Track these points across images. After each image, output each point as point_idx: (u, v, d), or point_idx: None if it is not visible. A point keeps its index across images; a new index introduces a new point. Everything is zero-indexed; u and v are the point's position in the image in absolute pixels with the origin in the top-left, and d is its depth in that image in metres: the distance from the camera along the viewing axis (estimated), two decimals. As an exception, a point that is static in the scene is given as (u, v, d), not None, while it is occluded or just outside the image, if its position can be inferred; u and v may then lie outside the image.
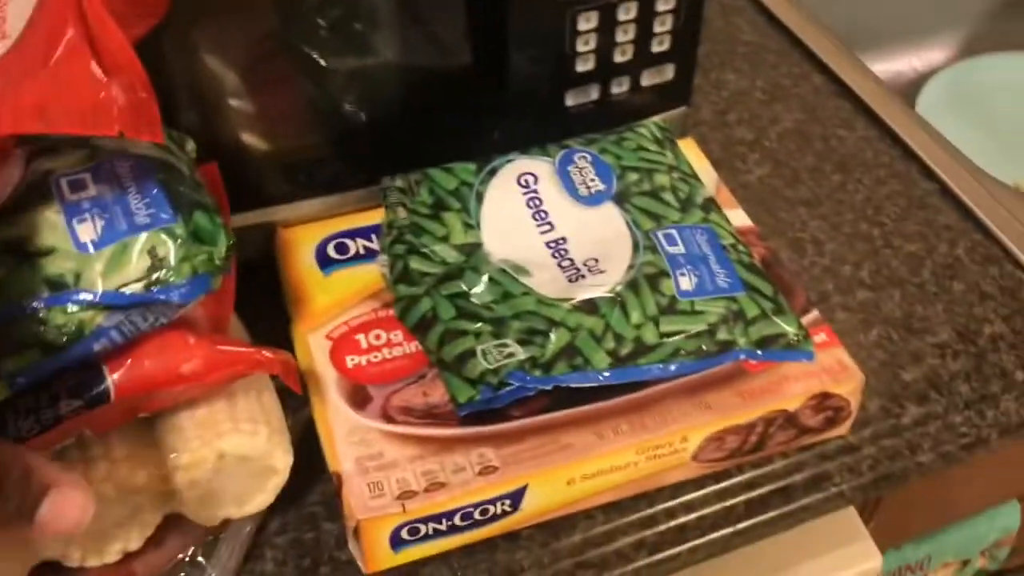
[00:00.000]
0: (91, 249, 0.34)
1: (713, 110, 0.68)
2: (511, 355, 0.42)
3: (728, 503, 0.48)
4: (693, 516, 0.47)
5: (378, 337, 0.48)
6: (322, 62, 0.52)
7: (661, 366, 0.45)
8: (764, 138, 0.65)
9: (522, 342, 0.43)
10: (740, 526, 0.48)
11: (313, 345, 0.47)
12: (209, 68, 0.49)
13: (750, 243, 0.52)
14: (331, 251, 0.52)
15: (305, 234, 0.53)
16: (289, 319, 0.50)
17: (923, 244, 0.59)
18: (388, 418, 0.45)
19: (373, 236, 0.52)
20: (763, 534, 0.49)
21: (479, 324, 0.44)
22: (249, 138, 0.54)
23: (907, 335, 0.54)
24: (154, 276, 0.35)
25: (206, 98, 0.50)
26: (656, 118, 0.57)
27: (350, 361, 0.47)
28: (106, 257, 0.34)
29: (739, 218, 0.54)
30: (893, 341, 0.54)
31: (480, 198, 0.50)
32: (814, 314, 0.49)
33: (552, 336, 0.44)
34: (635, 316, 0.45)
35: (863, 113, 0.67)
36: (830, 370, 0.47)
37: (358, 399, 0.45)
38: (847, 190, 0.62)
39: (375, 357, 0.47)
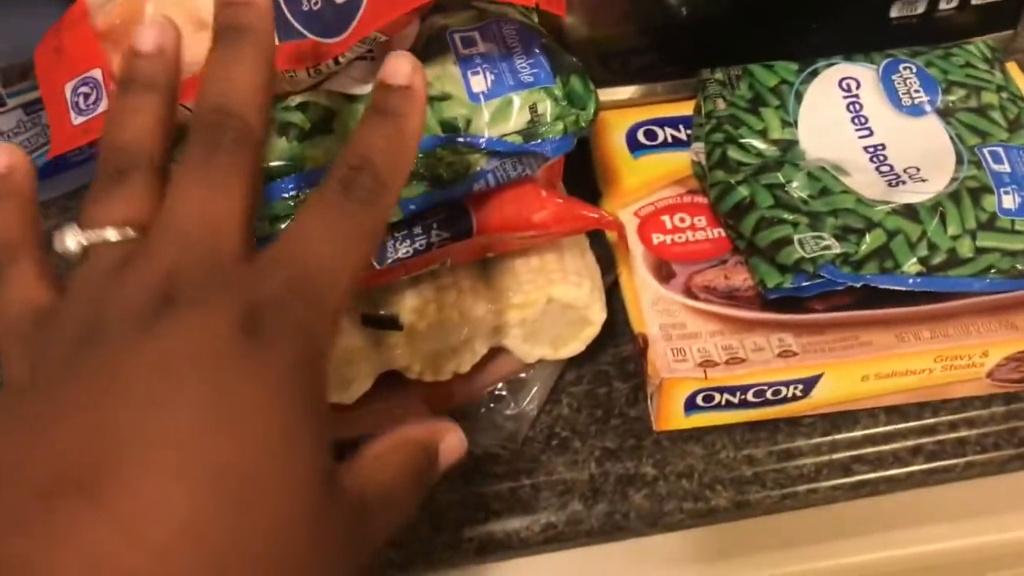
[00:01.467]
0: (481, 100, 0.38)
1: (1033, 38, 0.65)
2: (827, 247, 0.44)
3: (1013, 424, 0.48)
4: (975, 432, 0.48)
5: (683, 220, 0.51)
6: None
7: (972, 280, 0.45)
8: (1087, 72, 0.62)
9: (837, 237, 0.45)
10: (1022, 449, 0.48)
11: (622, 220, 0.51)
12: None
13: (1073, 174, 0.50)
14: (640, 136, 0.55)
15: (617, 118, 0.56)
16: (599, 195, 0.53)
17: None
18: (691, 294, 0.48)
19: (681, 126, 0.55)
20: (1043, 463, 0.49)
21: (796, 215, 0.45)
22: (571, 21, 0.57)
23: None
24: (532, 130, 0.38)
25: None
26: (980, 39, 0.55)
27: (656, 238, 0.50)
28: (493, 108, 0.38)
29: (1061, 147, 0.52)
30: None
31: (799, 97, 0.51)
32: None
33: (868, 236, 0.45)
34: (953, 227, 0.45)
35: None
36: None
37: (663, 273, 0.49)
38: None
39: (679, 238, 0.50)
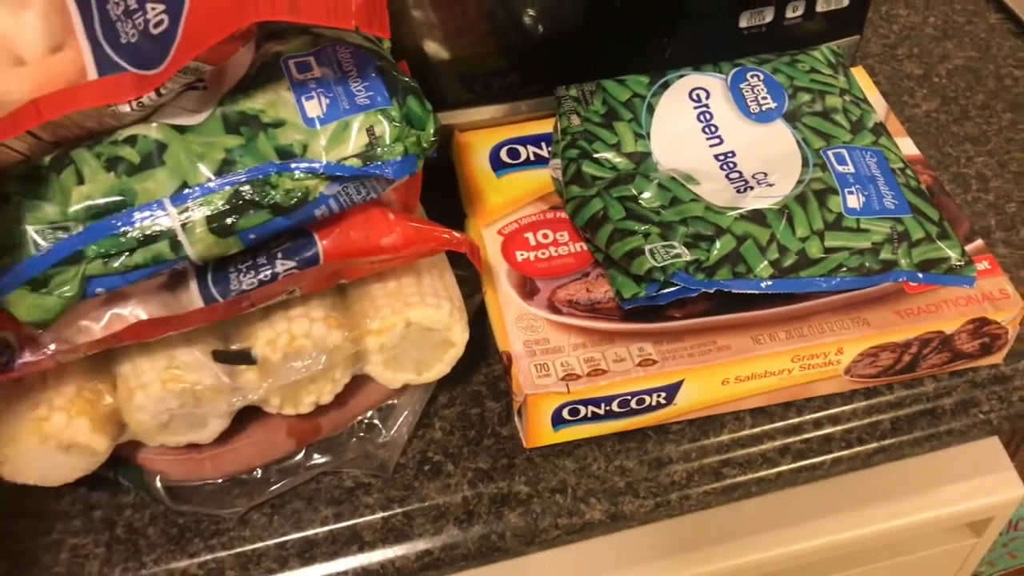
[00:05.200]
0: (317, 124, 0.38)
1: (883, 43, 0.67)
2: (678, 256, 0.45)
3: (874, 419, 0.49)
4: (839, 428, 0.49)
5: (545, 236, 0.51)
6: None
7: (823, 280, 0.46)
8: (933, 74, 0.65)
9: (688, 245, 0.45)
10: (884, 443, 0.49)
11: (486, 239, 0.51)
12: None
13: (917, 172, 0.52)
14: (504, 155, 0.55)
15: (480, 138, 0.56)
16: (464, 215, 0.53)
17: (1095, 186, 0.58)
18: (554, 309, 0.48)
19: (543, 144, 0.55)
20: (906, 453, 0.50)
21: (647, 225, 0.46)
22: (432, 46, 0.57)
23: (1071, 274, 0.54)
24: (370, 152, 0.38)
25: (395, 6, 0.53)
26: (826, 45, 0.57)
27: (519, 256, 0.50)
28: (329, 132, 0.38)
29: (907, 147, 0.54)
30: (1056, 279, 0.53)
31: (651, 110, 0.52)
32: (978, 243, 0.49)
33: (718, 242, 0.46)
34: (801, 229, 0.46)
35: (1041, 54, 0.65)
36: (990, 297, 0.47)
37: (526, 290, 0.49)
38: (1018, 129, 0.61)
39: (542, 254, 0.50)
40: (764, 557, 0.50)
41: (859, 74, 0.58)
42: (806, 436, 0.49)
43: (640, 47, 0.56)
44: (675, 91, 0.52)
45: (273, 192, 0.37)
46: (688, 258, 0.45)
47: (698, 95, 0.52)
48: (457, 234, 0.43)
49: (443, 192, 0.55)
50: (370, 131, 0.38)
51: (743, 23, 0.56)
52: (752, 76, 0.52)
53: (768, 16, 0.56)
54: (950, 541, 0.55)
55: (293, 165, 0.37)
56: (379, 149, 0.38)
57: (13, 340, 0.38)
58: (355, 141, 0.38)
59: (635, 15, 0.56)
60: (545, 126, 0.55)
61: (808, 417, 0.49)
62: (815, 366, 0.47)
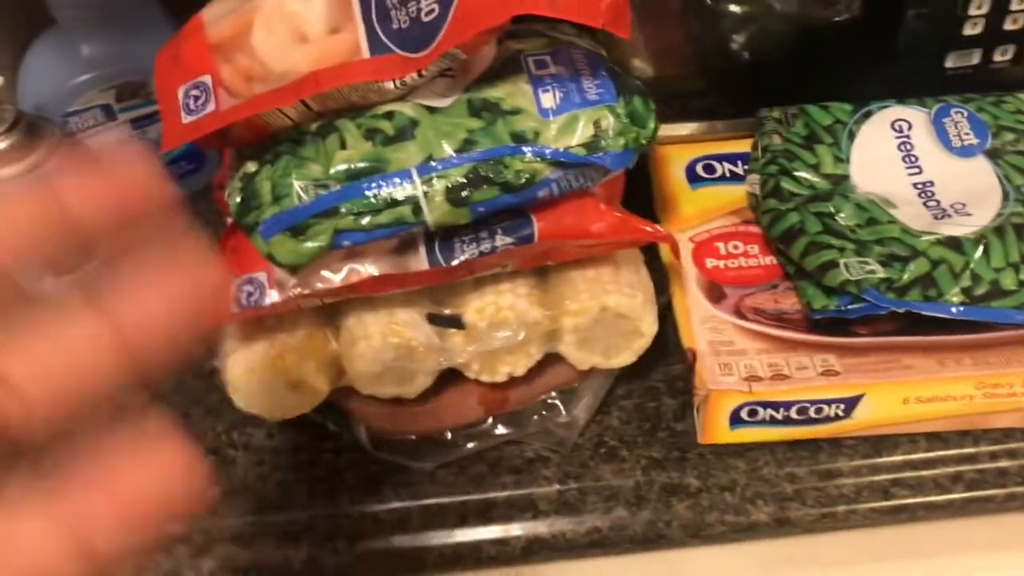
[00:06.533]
0: (550, 115, 0.42)
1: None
2: (872, 272, 0.46)
3: (1055, 459, 0.49)
4: (1016, 463, 0.49)
5: (736, 247, 0.53)
6: (719, 5, 0.57)
7: (1015, 312, 0.46)
8: None
9: (882, 264, 0.47)
10: (1062, 485, 0.49)
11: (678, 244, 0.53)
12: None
13: (1120, 219, 0.52)
14: (699, 170, 0.58)
15: (678, 152, 0.59)
16: (658, 222, 0.56)
17: None
18: (740, 315, 0.50)
19: (739, 162, 0.58)
20: (1085, 499, 0.50)
21: (843, 241, 0.48)
22: (637, 62, 0.61)
23: None
24: (594, 143, 0.42)
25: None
26: (1035, 90, 0.58)
27: (709, 262, 0.53)
28: (560, 123, 0.42)
29: (1111, 195, 0.54)
30: None
31: (852, 136, 0.53)
32: None
33: (912, 264, 0.47)
34: (996, 260, 0.47)
35: None
36: None
37: (714, 294, 0.51)
38: None
39: (732, 263, 0.52)
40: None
41: (1066, 121, 0.58)
42: (981, 467, 0.49)
43: (843, 78, 0.58)
44: (877, 120, 0.54)
45: (505, 171, 0.41)
46: (882, 275, 0.46)
47: (900, 126, 0.53)
48: (660, 228, 0.46)
49: (639, 203, 0.58)
50: (596, 124, 0.42)
51: (949, 63, 0.57)
52: (956, 112, 0.54)
53: (975, 58, 0.57)
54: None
55: (525, 149, 0.41)
56: (603, 141, 0.42)
57: (263, 279, 0.43)
58: (582, 132, 0.42)
59: (841, 47, 0.58)
60: (741, 145, 0.58)
61: (985, 448, 0.49)
62: (998, 396, 0.47)
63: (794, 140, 0.54)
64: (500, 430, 0.51)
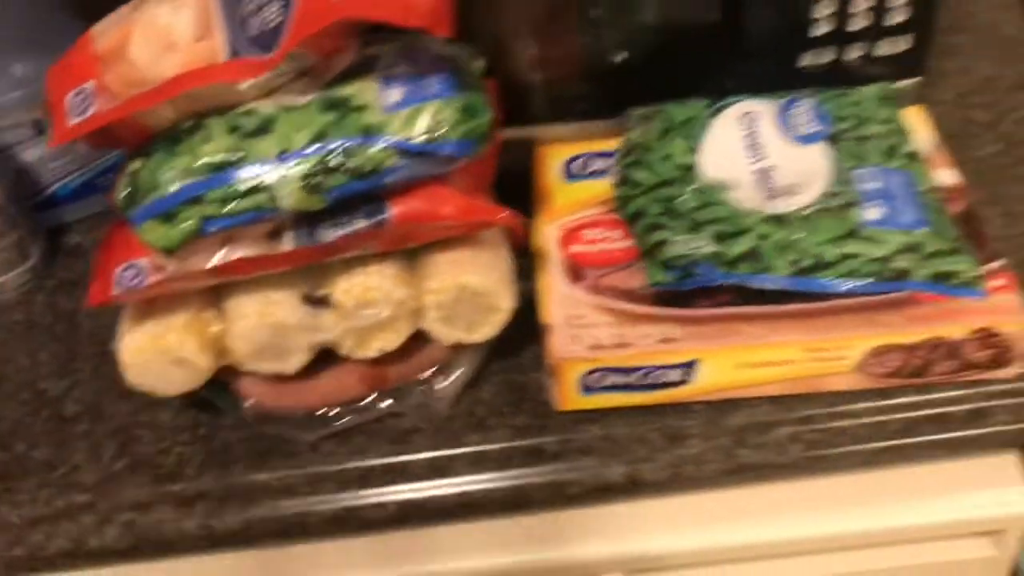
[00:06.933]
0: (394, 109, 0.47)
1: (956, 92, 0.71)
2: (698, 247, 0.51)
3: (887, 417, 0.53)
4: (851, 423, 0.53)
5: (600, 233, 0.58)
6: (596, 16, 0.62)
7: (839, 281, 0.51)
8: (1002, 121, 0.68)
9: (712, 241, 0.51)
10: (895, 442, 0.53)
11: (548, 233, 0.58)
12: (508, 9, 0.61)
13: (952, 197, 0.56)
14: (576, 167, 0.62)
15: (558, 151, 0.63)
16: (534, 213, 0.61)
17: None
18: (596, 292, 0.54)
19: (612, 158, 0.62)
20: (916, 456, 0.54)
21: (678, 221, 0.52)
22: (523, 69, 0.65)
23: (1102, 306, 0.56)
24: (435, 134, 0.47)
25: (500, 35, 0.62)
26: (879, 84, 0.62)
27: (573, 248, 0.57)
28: (403, 116, 0.47)
29: (949, 176, 0.58)
30: (1086, 309, 0.56)
31: (705, 129, 0.58)
32: (999, 263, 0.53)
33: (740, 239, 0.51)
34: (820, 235, 0.51)
35: (1114, 108, 0.68)
36: (999, 309, 0.51)
37: (574, 275, 0.56)
38: (1076, 175, 0.64)
39: (594, 247, 0.57)
40: (775, 539, 0.55)
41: (916, 111, 0.62)
42: (819, 427, 0.53)
43: (706, 78, 0.62)
44: (729, 114, 0.59)
45: (353, 160, 0.46)
46: (709, 250, 0.51)
47: (749, 118, 0.58)
48: (506, 212, 0.50)
49: (520, 196, 0.63)
50: (436, 116, 0.46)
51: (804, 62, 0.62)
52: (801, 105, 0.58)
53: (828, 57, 0.62)
54: (968, 551, 0.57)
55: (371, 139, 0.46)
56: (442, 131, 0.46)
57: (144, 264, 0.48)
58: (424, 124, 0.47)
59: (702, 51, 0.63)
60: (617, 144, 0.63)
61: (821, 410, 0.53)
62: (825, 359, 0.51)
63: (652, 134, 0.58)
64: (381, 404, 0.56)
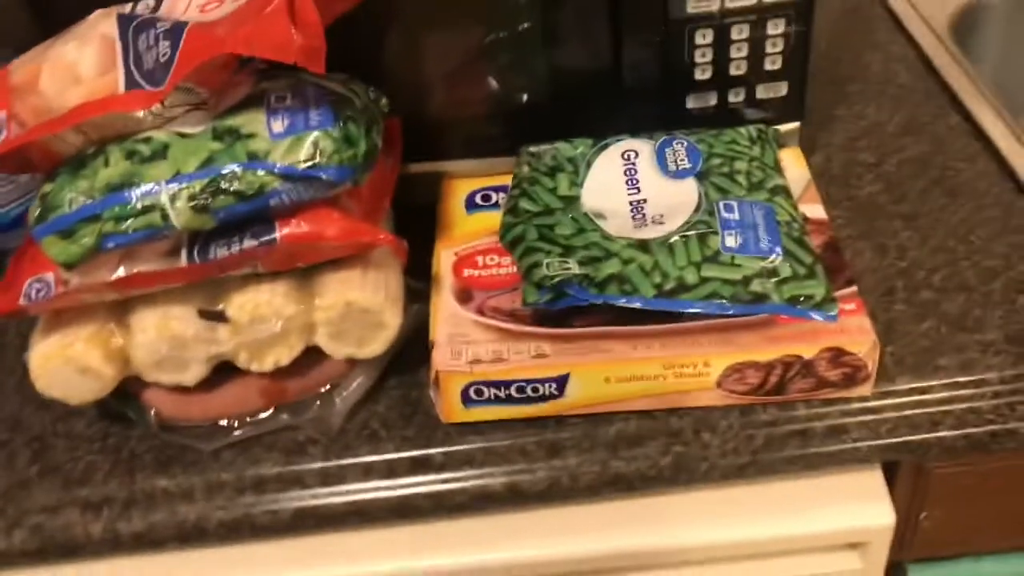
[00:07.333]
0: (279, 138, 0.51)
1: (845, 136, 0.75)
2: (568, 269, 0.55)
3: (749, 432, 0.56)
4: (716, 437, 0.56)
5: (491, 259, 0.62)
6: (500, 63, 0.67)
7: (699, 303, 0.55)
8: (885, 163, 0.73)
9: (581, 264, 0.55)
10: (758, 457, 0.56)
11: (444, 258, 0.62)
12: (411, 53, 0.66)
13: (818, 231, 0.60)
14: (478, 199, 0.67)
15: (462, 185, 0.68)
16: (434, 240, 0.65)
17: (1004, 261, 0.63)
18: (481, 312, 0.58)
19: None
20: (780, 469, 0.57)
21: (552, 246, 0.56)
22: (432, 107, 0.70)
23: (956, 331, 0.59)
24: (315, 160, 0.51)
25: (415, 79, 0.66)
26: (755, 125, 0.66)
27: (466, 272, 0.61)
28: (286, 144, 0.51)
29: (817, 212, 0.62)
30: (940, 333, 0.59)
31: (589, 165, 0.63)
32: (851, 289, 0.57)
33: (606, 262, 0.55)
34: (680, 259, 0.55)
35: (990, 153, 0.72)
36: (848, 330, 0.54)
37: (464, 297, 0.59)
38: (947, 211, 0.68)
39: (484, 272, 0.61)
40: (647, 549, 0.58)
41: (793, 152, 0.67)
42: (685, 439, 0.57)
43: (600, 119, 0.67)
44: (612, 151, 0.63)
45: (238, 183, 0.50)
46: (577, 271, 0.55)
47: (628, 155, 0.63)
48: (387, 235, 0.54)
49: (425, 227, 0.67)
50: (315, 144, 0.51)
51: (691, 104, 0.67)
52: (677, 143, 0.63)
53: (713, 99, 0.67)
54: (836, 564, 0.60)
55: (256, 164, 0.50)
56: (321, 158, 0.51)
57: (50, 278, 0.52)
58: (304, 151, 0.51)
59: (596, 95, 0.67)
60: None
61: (687, 424, 0.57)
62: (686, 375, 0.55)
63: (541, 169, 0.63)
64: (279, 417, 0.59)
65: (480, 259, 0.62)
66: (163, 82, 0.49)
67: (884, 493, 0.58)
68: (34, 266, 0.53)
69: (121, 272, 0.52)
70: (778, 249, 0.56)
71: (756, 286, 0.55)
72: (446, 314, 0.58)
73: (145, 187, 0.50)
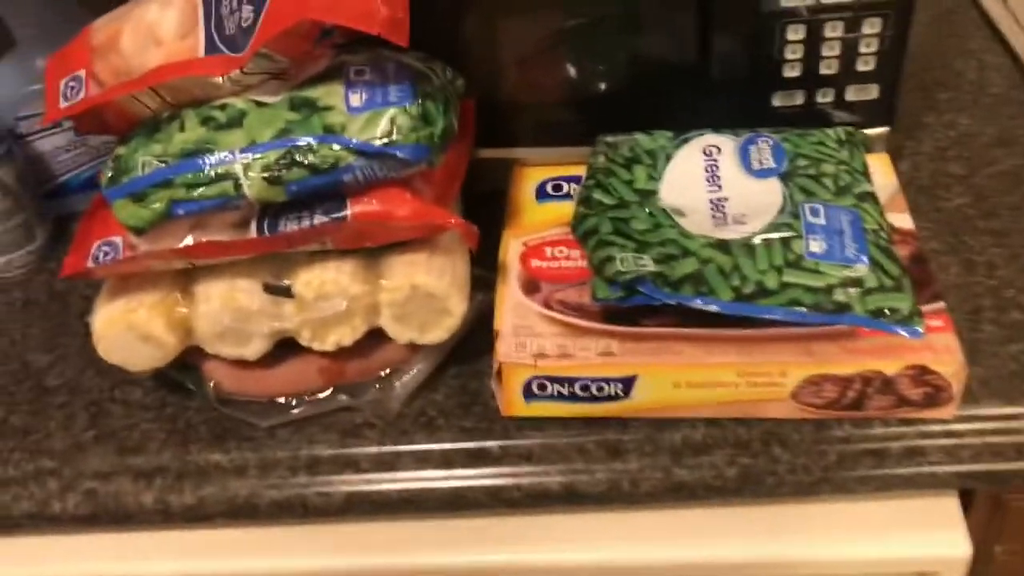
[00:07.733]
0: (356, 112, 0.50)
1: (935, 145, 0.72)
2: (643, 266, 0.53)
3: (822, 447, 0.54)
4: (786, 451, 0.54)
5: (561, 251, 0.60)
6: (580, 50, 0.65)
7: (779, 309, 0.52)
8: (976, 175, 0.69)
9: (657, 261, 0.53)
10: (829, 474, 0.54)
11: (512, 247, 0.61)
12: (488, 34, 0.64)
13: (904, 240, 0.57)
14: (549, 188, 0.65)
15: (534, 173, 0.66)
16: (504, 228, 0.63)
17: (1101, 287, 0.60)
18: (548, 305, 0.57)
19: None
20: (851, 489, 0.54)
21: (627, 240, 0.54)
22: (510, 93, 0.68)
23: (1047, 356, 0.57)
24: (391, 138, 0.50)
25: (491, 62, 0.65)
26: (844, 128, 0.64)
27: (534, 263, 0.59)
28: (364, 119, 0.50)
29: (904, 221, 0.60)
30: (1030, 358, 0.57)
31: (668, 158, 0.60)
32: (938, 304, 0.54)
33: (682, 261, 0.53)
34: (761, 262, 0.53)
35: (1089, 169, 0.69)
36: (934, 348, 0.52)
37: (530, 288, 0.58)
38: (1041, 230, 0.65)
39: (553, 264, 0.59)
40: (708, 561, 0.56)
41: (881, 158, 0.64)
42: (753, 450, 0.54)
43: (681, 112, 0.65)
44: (693, 145, 0.61)
45: (312, 156, 0.49)
46: (652, 269, 0.53)
47: (710, 150, 0.60)
48: (458, 219, 0.53)
49: (495, 213, 0.65)
50: (392, 121, 0.49)
51: (776, 102, 0.64)
52: (762, 141, 0.60)
53: (800, 98, 0.64)
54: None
55: (331, 138, 0.49)
56: (397, 136, 0.49)
57: (119, 242, 0.52)
58: (381, 128, 0.50)
59: (677, 87, 0.65)
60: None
61: (757, 435, 0.55)
62: (760, 384, 0.53)
63: (617, 161, 0.61)
64: (336, 398, 0.58)
65: (549, 250, 0.60)
66: (244, 48, 0.48)
67: (960, 522, 0.55)
68: (103, 228, 0.53)
69: (189, 240, 0.51)
70: (864, 258, 0.53)
71: (839, 295, 0.52)
72: (511, 304, 0.57)
73: (219, 155, 0.49)
